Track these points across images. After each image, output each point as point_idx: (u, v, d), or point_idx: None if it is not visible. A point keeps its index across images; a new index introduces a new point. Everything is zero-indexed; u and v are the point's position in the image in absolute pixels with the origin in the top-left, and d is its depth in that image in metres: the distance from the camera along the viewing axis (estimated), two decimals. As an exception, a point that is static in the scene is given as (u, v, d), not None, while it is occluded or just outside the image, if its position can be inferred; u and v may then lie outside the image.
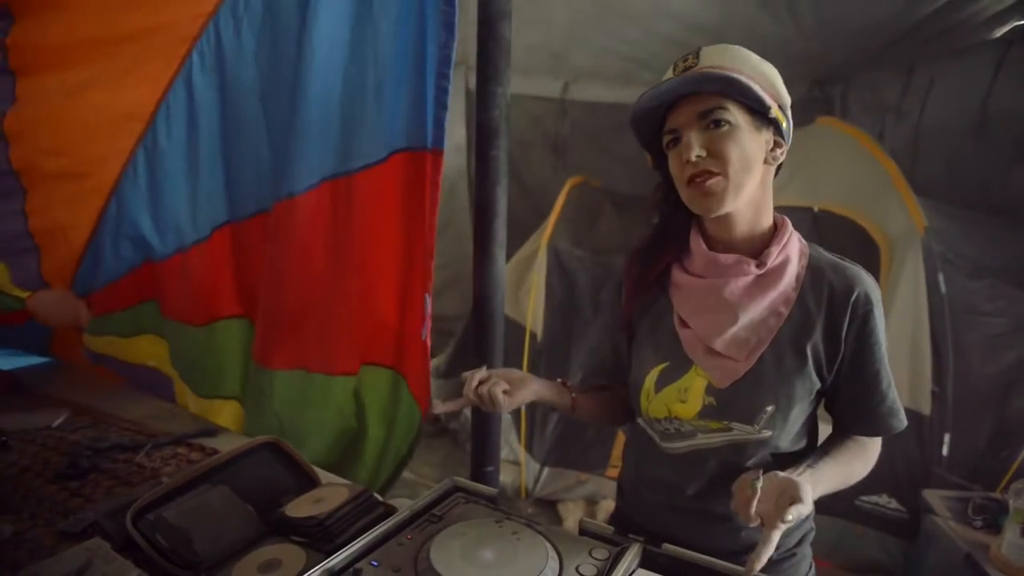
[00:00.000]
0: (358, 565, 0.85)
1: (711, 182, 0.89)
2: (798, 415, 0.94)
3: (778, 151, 0.95)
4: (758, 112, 0.90)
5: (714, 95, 0.88)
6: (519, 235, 3.49)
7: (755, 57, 0.92)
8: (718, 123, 0.88)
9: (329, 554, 0.87)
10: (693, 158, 0.88)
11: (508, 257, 3.50)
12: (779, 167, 0.98)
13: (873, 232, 2.67)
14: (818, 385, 0.94)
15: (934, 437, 2.46)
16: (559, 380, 1.12)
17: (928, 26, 2.99)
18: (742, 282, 0.94)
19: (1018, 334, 2.44)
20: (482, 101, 1.31)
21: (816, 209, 2.80)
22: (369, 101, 1.39)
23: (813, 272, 0.95)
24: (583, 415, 1.13)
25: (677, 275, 1.01)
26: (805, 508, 0.78)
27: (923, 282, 2.50)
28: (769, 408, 0.92)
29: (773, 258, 0.94)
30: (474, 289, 1.40)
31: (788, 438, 0.95)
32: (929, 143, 3.25)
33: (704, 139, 0.89)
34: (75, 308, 1.85)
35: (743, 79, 0.87)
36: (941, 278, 2.48)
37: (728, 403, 0.94)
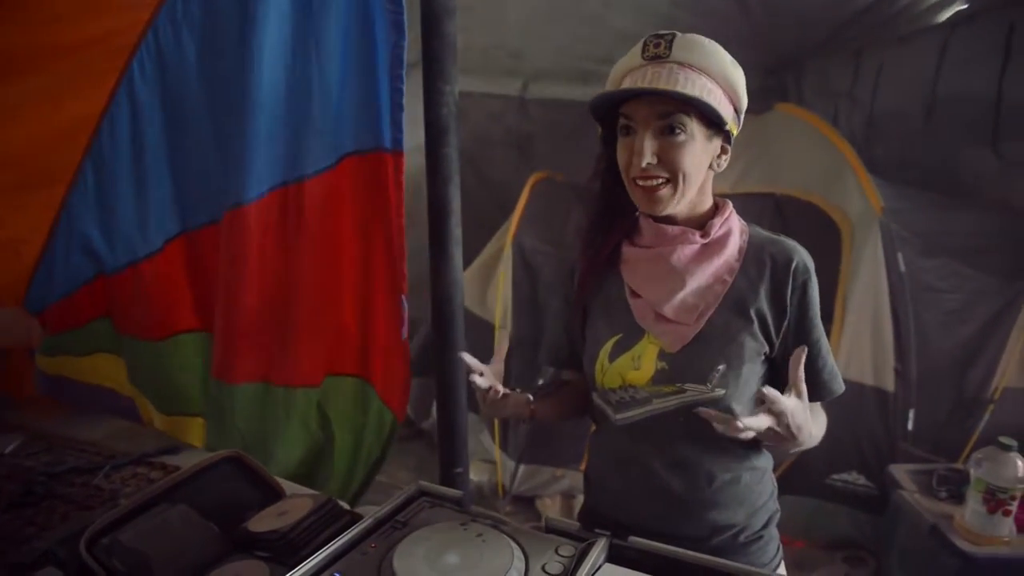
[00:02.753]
0: (320, 578, 0.84)
1: (660, 192, 0.93)
2: (749, 376, 0.96)
3: (723, 158, 0.98)
4: (714, 123, 0.92)
5: (677, 101, 0.89)
6: (484, 234, 3.47)
7: (727, 58, 0.93)
8: (674, 130, 0.90)
9: (293, 567, 0.86)
10: (644, 164, 0.90)
11: (474, 255, 3.51)
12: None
13: (834, 215, 2.73)
14: (766, 348, 0.98)
15: (898, 413, 2.52)
16: (517, 389, 1.09)
17: (875, 12, 3.05)
18: (688, 250, 0.98)
19: (971, 309, 2.52)
20: (430, 100, 1.30)
21: (778, 195, 2.84)
22: (315, 105, 1.37)
23: (754, 246, 1.00)
24: (545, 418, 1.12)
25: (626, 250, 1.05)
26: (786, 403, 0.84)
27: (882, 262, 2.55)
28: (721, 367, 0.95)
29: (716, 229, 0.98)
30: (432, 290, 1.38)
31: (741, 401, 0.96)
32: (882, 127, 3.32)
33: (657, 145, 0.91)
34: (28, 327, 1.79)
35: (708, 96, 0.89)
36: (900, 257, 2.54)
37: (680, 366, 0.97)
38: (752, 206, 2.73)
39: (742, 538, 1.02)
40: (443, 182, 1.33)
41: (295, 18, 1.35)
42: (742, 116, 0.98)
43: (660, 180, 0.92)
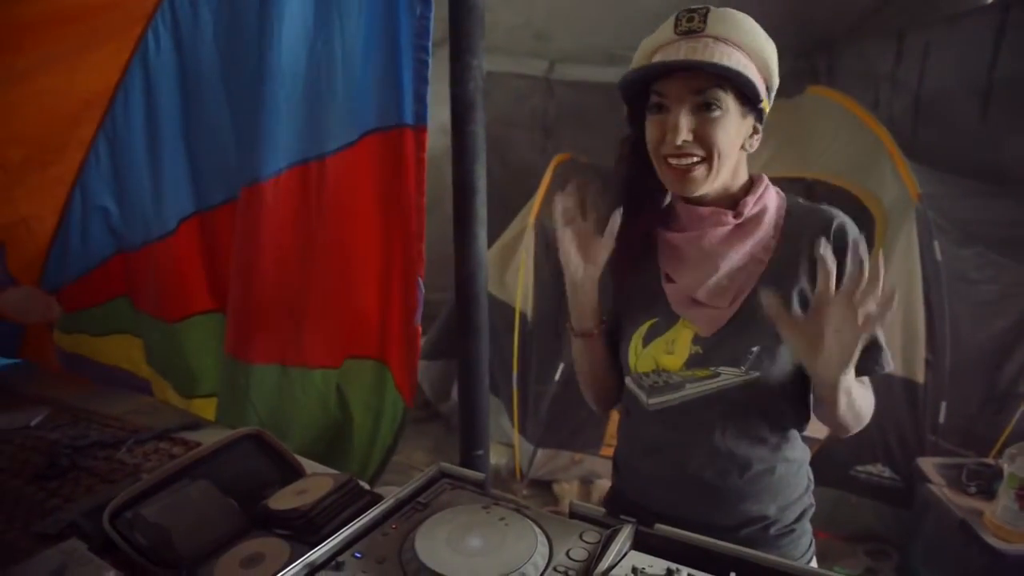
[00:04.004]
0: (341, 558, 0.83)
1: (695, 172, 0.89)
2: (786, 354, 0.93)
3: (755, 138, 0.95)
4: (748, 100, 0.89)
5: (713, 75, 0.86)
6: (506, 215, 3.44)
7: (761, 33, 0.90)
8: (710, 106, 0.87)
9: (313, 546, 0.85)
10: (679, 142, 0.87)
11: (495, 237, 3.48)
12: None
13: (867, 201, 2.65)
14: None
15: (928, 405, 2.46)
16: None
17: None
18: (720, 232, 0.95)
19: (1007, 301, 2.44)
20: (456, 75, 1.26)
21: (809, 179, 2.77)
22: (337, 80, 1.34)
23: (792, 218, 0.97)
24: (593, 359, 1.09)
25: (661, 235, 1.02)
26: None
27: (916, 250, 2.48)
28: (755, 349, 0.92)
29: (749, 208, 0.95)
30: (456, 270, 1.36)
31: (779, 376, 0.93)
32: (930, 111, 3.21)
33: (693, 121, 0.88)
34: (45, 304, 1.79)
35: (745, 71, 0.85)
36: (936, 245, 2.46)
37: (714, 350, 0.94)
38: (783, 190, 2.66)
39: (773, 531, 0.99)
40: (470, 161, 1.30)
41: None
42: (772, 95, 0.94)
43: (695, 159, 0.88)
